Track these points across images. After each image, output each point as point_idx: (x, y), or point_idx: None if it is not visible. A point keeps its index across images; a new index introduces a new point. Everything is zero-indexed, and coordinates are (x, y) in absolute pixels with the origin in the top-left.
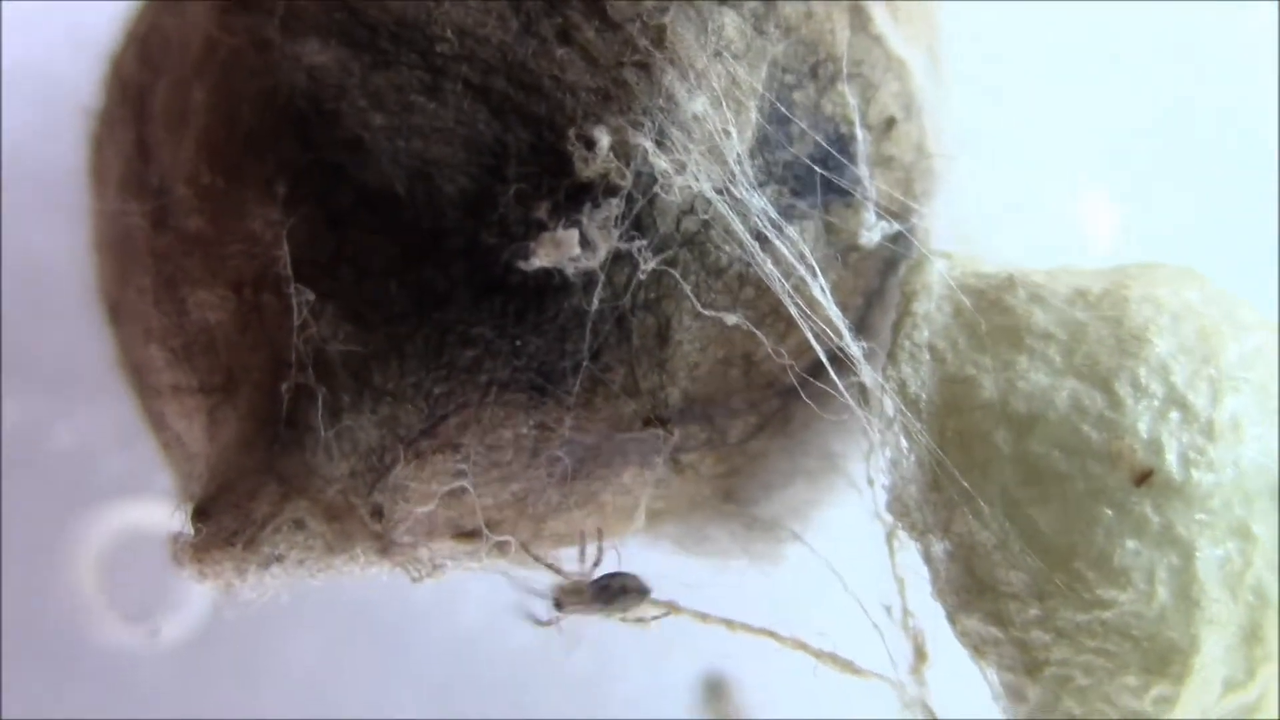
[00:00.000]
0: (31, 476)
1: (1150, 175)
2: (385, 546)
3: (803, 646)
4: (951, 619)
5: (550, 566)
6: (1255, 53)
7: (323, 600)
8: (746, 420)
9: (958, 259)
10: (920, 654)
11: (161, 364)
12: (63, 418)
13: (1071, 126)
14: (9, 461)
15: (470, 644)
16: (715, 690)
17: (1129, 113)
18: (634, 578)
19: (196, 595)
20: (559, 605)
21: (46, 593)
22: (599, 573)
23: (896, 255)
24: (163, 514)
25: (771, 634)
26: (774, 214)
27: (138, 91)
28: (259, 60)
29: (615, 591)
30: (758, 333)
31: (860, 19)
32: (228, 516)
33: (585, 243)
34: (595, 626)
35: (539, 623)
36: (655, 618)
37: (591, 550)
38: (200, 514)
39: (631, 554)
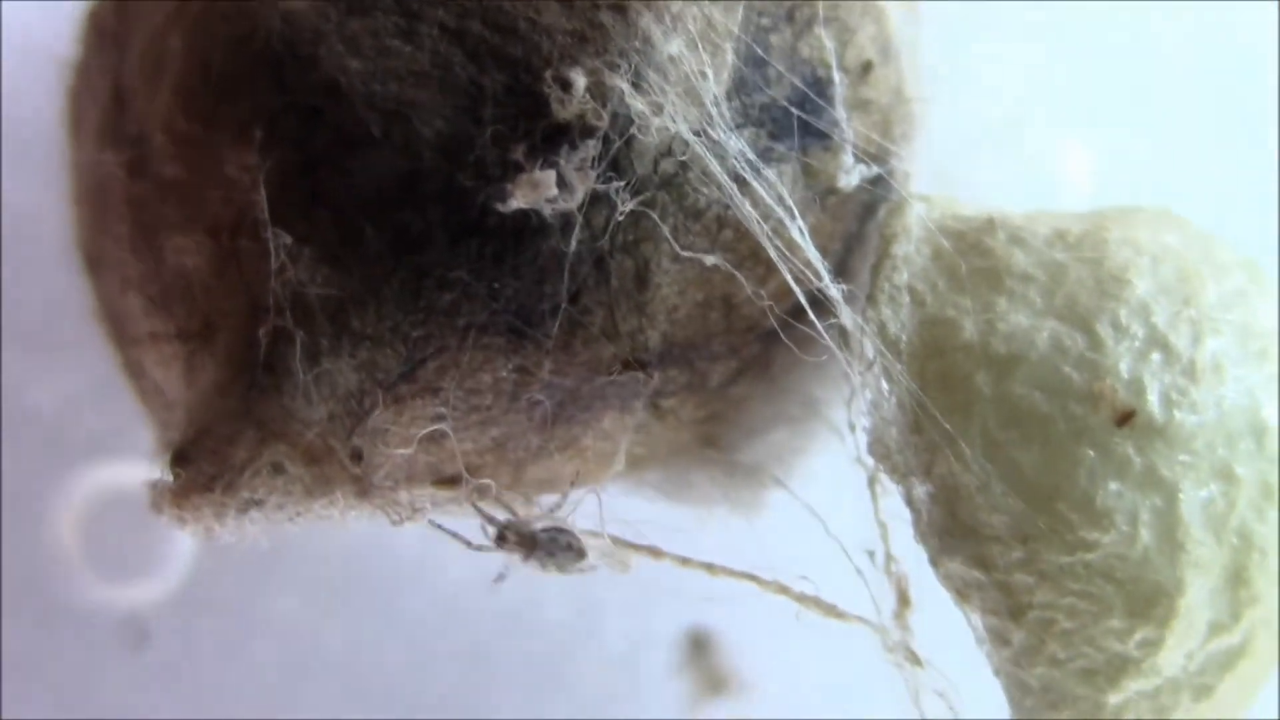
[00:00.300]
0: (10, 436)
1: (1149, 176)
2: (364, 489)
3: (785, 591)
4: (934, 562)
5: (507, 507)
6: (1255, 52)
7: (307, 557)
8: (727, 364)
9: (937, 202)
10: (903, 599)
11: (139, 312)
12: (42, 377)
13: (1070, 127)
14: None
15: (453, 598)
16: (699, 644)
17: (1128, 114)
18: (579, 539)
19: (179, 553)
20: (501, 539)
21: (27, 553)
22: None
23: (875, 199)
24: (144, 473)
25: (753, 578)
26: (752, 156)
27: (114, 41)
28: (236, 7)
29: (561, 546)
30: (737, 275)
31: None
32: (206, 461)
33: (562, 184)
34: (579, 579)
35: (471, 545)
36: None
37: (556, 499)
38: (179, 459)
39: (612, 500)
